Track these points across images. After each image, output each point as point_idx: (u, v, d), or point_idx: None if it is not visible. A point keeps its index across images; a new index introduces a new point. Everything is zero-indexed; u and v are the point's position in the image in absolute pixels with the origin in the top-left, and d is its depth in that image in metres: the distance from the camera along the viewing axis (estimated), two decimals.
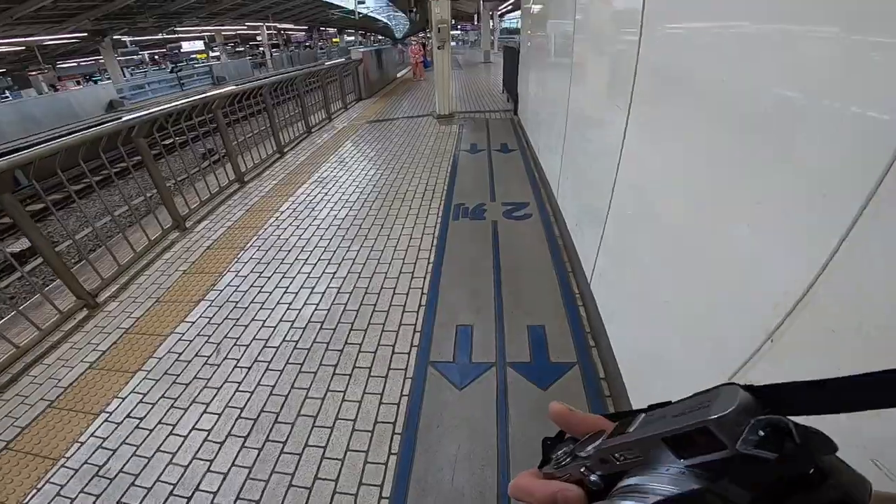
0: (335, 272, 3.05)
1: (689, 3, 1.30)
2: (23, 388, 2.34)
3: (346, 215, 3.89)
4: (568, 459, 0.31)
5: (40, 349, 2.57)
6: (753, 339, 0.93)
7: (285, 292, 2.89)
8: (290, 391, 2.15)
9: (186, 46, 28.35)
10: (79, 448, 1.98)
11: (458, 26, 35.63)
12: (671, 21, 1.39)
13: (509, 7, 23.54)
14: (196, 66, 25.06)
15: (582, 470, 0.29)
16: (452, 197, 4.08)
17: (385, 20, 39.42)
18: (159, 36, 22.27)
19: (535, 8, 5.02)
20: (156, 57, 32.43)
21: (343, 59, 11.23)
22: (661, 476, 0.24)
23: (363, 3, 28.25)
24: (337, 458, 1.80)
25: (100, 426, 2.07)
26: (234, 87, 5.09)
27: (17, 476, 1.87)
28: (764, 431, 0.21)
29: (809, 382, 0.23)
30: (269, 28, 27.67)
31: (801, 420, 0.22)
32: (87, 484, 1.81)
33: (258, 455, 1.86)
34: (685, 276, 1.31)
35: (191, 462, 1.86)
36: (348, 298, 2.77)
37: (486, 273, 2.91)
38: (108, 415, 2.13)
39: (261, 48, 30.00)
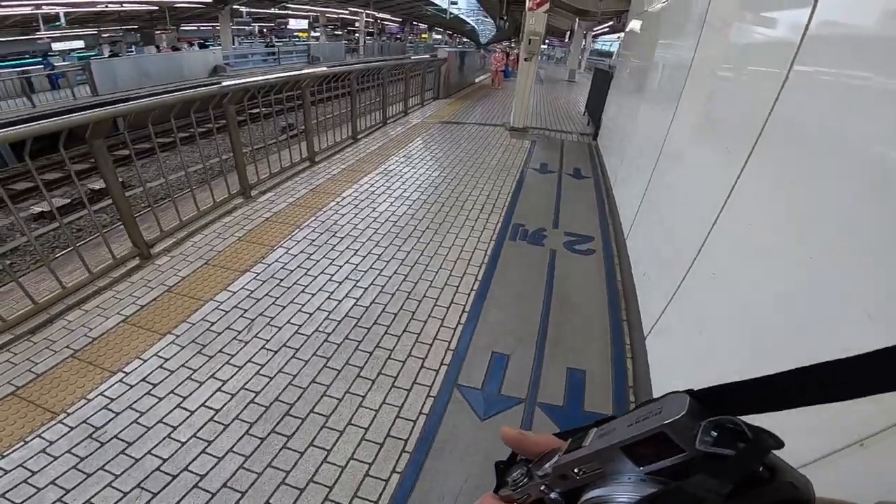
0: (382, 269, 2.99)
1: (858, 49, 1.06)
2: (54, 331, 2.39)
3: (404, 213, 3.83)
4: (525, 480, 0.32)
5: (84, 293, 2.64)
6: (836, 438, 0.83)
7: (329, 280, 2.85)
8: (309, 385, 2.09)
9: (293, 24, 30.06)
10: (83, 405, 1.96)
11: (547, 41, 35.28)
12: (829, 67, 1.15)
13: (606, 29, 22.89)
14: (297, 43, 26.56)
15: (542, 488, 0.30)
16: (512, 215, 3.91)
17: (473, 24, 39.82)
18: (272, 10, 23.77)
19: (644, 34, 4.71)
20: (264, 30, 34.68)
21: (429, 56, 11.34)
22: (623, 485, 0.25)
23: (455, 3, 28.70)
24: (338, 465, 1.72)
25: (112, 385, 2.06)
26: (325, 69, 5.23)
27: (10, 425, 1.86)
28: (716, 432, 0.23)
29: (741, 383, 0.25)
30: (367, 16, 28.80)
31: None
32: (76, 444, 1.78)
33: (259, 445, 1.80)
34: (770, 356, 1.14)
35: (189, 440, 1.81)
36: (389, 300, 2.69)
37: (534, 303, 2.73)
38: (124, 374, 2.12)
39: (357, 34, 31.26)
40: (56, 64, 15.00)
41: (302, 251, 3.15)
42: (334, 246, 3.24)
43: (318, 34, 30.48)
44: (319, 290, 2.75)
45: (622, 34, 7.76)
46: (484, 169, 5.13)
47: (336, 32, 35.71)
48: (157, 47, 21.12)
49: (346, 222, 3.60)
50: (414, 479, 1.67)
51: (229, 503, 1.58)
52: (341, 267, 2.99)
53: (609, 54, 30.31)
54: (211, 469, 1.70)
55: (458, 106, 9.33)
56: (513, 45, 24.61)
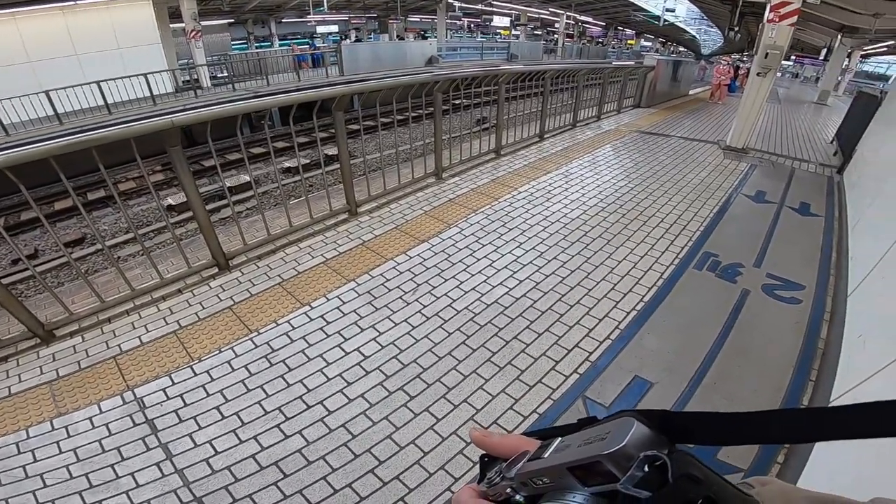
0: (541, 267, 3.00)
1: None
2: (274, 260, 3.01)
3: (577, 217, 3.74)
4: (498, 479, 0.32)
5: (303, 234, 3.27)
6: None
7: (490, 265, 3.00)
8: (445, 356, 2.24)
9: (496, 21, 31.37)
10: (272, 328, 2.39)
11: (793, 57, 29.31)
12: None
13: (883, 49, 17.67)
14: (497, 40, 27.82)
15: (508, 490, 0.31)
16: (704, 243, 3.44)
17: (693, 33, 35.35)
18: (479, 6, 25.24)
19: None
20: (471, 25, 37.03)
21: (633, 63, 10.57)
22: (569, 503, 0.26)
23: (672, 11, 25.98)
24: (441, 435, 1.82)
25: (298, 316, 2.49)
26: (522, 67, 5.36)
27: (216, 334, 2.35)
28: (649, 468, 0.23)
29: (706, 414, 0.26)
30: (568, 18, 28.23)
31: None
32: (252, 361, 2.17)
33: (385, 398, 1.99)
34: None
35: (334, 377, 2.10)
36: (540, 297, 2.70)
37: (702, 340, 2.42)
38: (309, 308, 2.55)
39: (556, 35, 30.97)
40: (318, 45, 18.72)
41: (472, 234, 3.36)
42: (501, 235, 3.37)
43: (518, 33, 31.20)
44: (479, 272, 2.92)
45: None
46: (681, 187, 4.61)
47: (536, 32, 35.87)
48: (401, 36, 24.37)
49: (517, 215, 3.70)
50: None
51: (340, 441, 1.79)
52: (503, 256, 3.11)
53: (883, 77, 25.03)
54: (339, 408, 1.94)
55: (661, 116, 8.50)
56: (744, 59, 21.33)
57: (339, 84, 3.59)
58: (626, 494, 0.23)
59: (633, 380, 2.14)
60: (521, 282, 2.84)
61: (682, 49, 46.33)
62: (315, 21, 24.53)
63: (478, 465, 0.38)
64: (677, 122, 8.02)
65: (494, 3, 24.56)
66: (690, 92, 12.71)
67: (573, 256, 3.14)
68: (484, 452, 0.37)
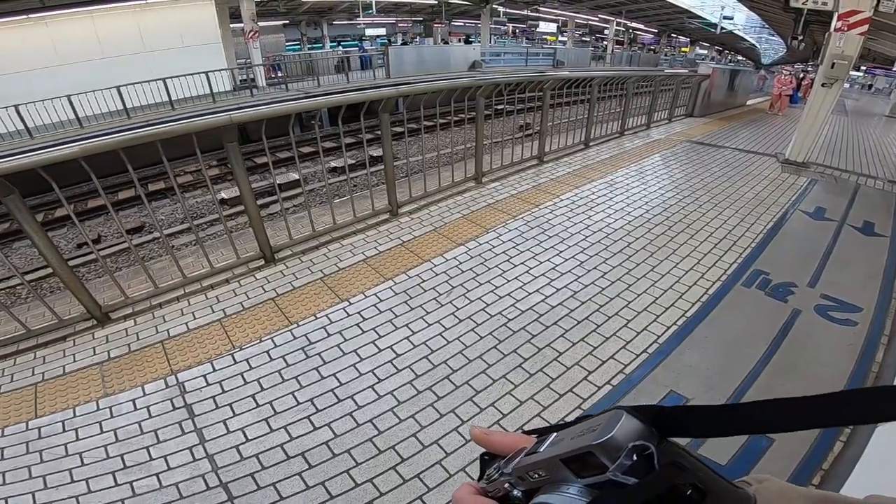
0: (580, 276, 2.94)
1: None
2: (317, 256, 3.10)
3: (619, 227, 3.63)
4: (497, 475, 0.33)
5: (346, 231, 3.37)
6: None
7: (527, 272, 2.97)
8: (475, 359, 2.23)
9: (542, 27, 31.09)
10: (311, 321, 2.46)
11: (863, 67, 27.26)
12: None
13: None
14: (544, 46, 27.57)
15: (506, 486, 0.32)
16: (755, 259, 3.26)
17: (753, 41, 33.62)
18: (525, 12, 25.10)
19: None
20: (516, 31, 36.89)
21: (686, 71, 10.17)
22: (564, 494, 0.27)
23: (730, 18, 24.79)
24: (465, 438, 1.80)
25: (336, 311, 2.54)
26: (567, 73, 5.28)
27: (259, 324, 2.41)
28: (636, 456, 0.24)
29: (701, 407, 0.26)
30: (618, 24, 27.57)
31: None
32: (289, 352, 2.23)
33: (413, 396, 2.00)
34: None
35: (366, 373, 2.13)
36: (577, 307, 2.65)
37: (746, 359, 2.30)
38: (347, 304, 2.60)
39: (605, 42, 30.34)
40: (366, 48, 19.23)
41: (510, 240, 3.34)
42: (540, 242, 3.33)
43: (564, 39, 30.74)
44: (515, 278, 2.90)
45: None
46: (734, 200, 4.39)
47: (584, 38, 35.25)
48: (445, 40, 24.69)
49: (557, 223, 3.64)
50: None
51: (366, 436, 1.81)
52: (541, 263, 3.07)
53: None
54: (367, 404, 1.97)
55: (715, 126, 8.12)
56: (808, 69, 20.09)
57: (386, 86, 3.67)
58: (614, 482, 0.24)
59: (668, 394, 2.07)
60: (558, 290, 2.79)
61: (739, 58, 44.36)
62: (364, 24, 25.21)
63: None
64: (733, 133, 7.64)
65: (541, 8, 24.35)
66: (748, 102, 12.09)
67: (614, 267, 3.06)
68: (484, 451, 0.38)
